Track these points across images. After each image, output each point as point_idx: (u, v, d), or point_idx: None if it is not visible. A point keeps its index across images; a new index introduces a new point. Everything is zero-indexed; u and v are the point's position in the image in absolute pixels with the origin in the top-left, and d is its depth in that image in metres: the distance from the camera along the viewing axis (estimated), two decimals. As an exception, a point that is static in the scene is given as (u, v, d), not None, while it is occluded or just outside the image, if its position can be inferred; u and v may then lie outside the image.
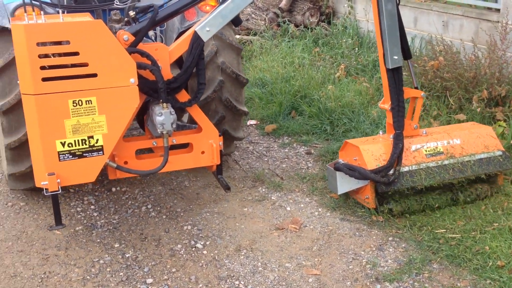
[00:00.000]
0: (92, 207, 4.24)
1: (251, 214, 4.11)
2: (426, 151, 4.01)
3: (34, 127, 3.14)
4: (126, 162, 3.64)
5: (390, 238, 3.75)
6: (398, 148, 3.86)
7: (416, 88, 4.15)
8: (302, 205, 4.23)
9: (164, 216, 4.10)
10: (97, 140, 3.26)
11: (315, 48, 7.78)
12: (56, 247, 3.71)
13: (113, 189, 4.51)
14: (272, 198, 4.35)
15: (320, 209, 4.15)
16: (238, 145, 5.39)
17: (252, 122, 5.96)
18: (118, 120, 3.28)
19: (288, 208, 4.19)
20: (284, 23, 8.51)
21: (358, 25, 8.15)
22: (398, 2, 3.81)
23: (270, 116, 6.00)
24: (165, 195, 4.42)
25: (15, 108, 3.76)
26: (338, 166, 3.94)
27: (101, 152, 3.28)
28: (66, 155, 3.21)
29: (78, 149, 3.23)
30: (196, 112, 3.76)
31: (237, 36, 8.55)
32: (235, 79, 4.43)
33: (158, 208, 4.21)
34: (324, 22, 8.75)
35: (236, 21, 3.81)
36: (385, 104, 4.00)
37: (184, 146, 3.87)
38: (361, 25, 8.08)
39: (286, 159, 5.07)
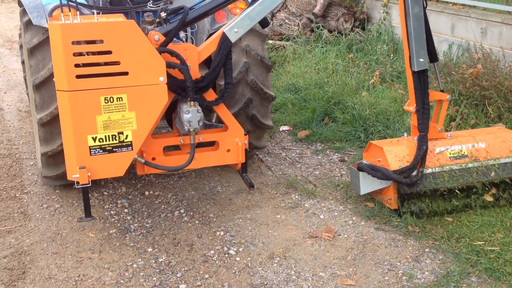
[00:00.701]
0: (126, 210, 4.26)
1: (284, 221, 4.07)
2: (450, 153, 4.02)
3: (67, 122, 3.28)
4: (154, 158, 3.76)
5: (427, 249, 3.66)
6: (422, 149, 3.89)
7: (442, 91, 4.17)
8: (336, 213, 4.17)
9: (196, 221, 4.09)
10: (127, 136, 3.39)
11: (349, 54, 7.70)
12: (90, 250, 3.73)
13: (146, 193, 4.52)
14: (305, 205, 4.29)
15: (354, 218, 4.09)
16: (270, 151, 5.36)
17: (285, 128, 5.92)
18: (147, 117, 3.40)
19: (322, 216, 4.13)
20: (318, 28, 8.45)
21: (393, 31, 8.04)
22: (425, 5, 3.83)
23: (303, 122, 5.95)
24: (197, 200, 4.41)
25: (47, 82, 3.90)
26: (361, 166, 3.98)
27: (130, 147, 3.41)
28: (97, 149, 3.35)
29: (108, 144, 3.36)
30: (222, 111, 3.85)
31: (270, 41, 8.54)
32: (260, 61, 4.50)
33: (191, 213, 4.20)
34: (358, 27, 8.67)
35: (263, 23, 3.90)
36: (410, 106, 4.03)
37: (211, 144, 3.96)
38: (396, 31, 7.97)
39: (319, 166, 5.02)
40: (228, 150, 3.91)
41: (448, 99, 4.09)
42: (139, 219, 4.13)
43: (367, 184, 4.03)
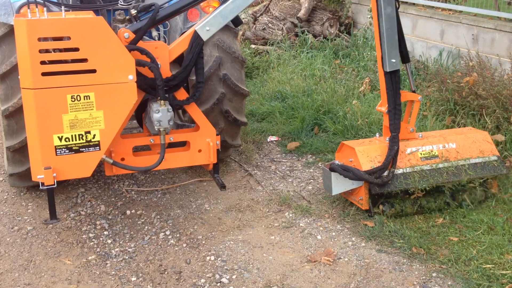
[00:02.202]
0: (106, 232, 3.90)
1: (279, 243, 3.77)
2: (421, 154, 4.04)
3: (32, 121, 3.18)
4: (123, 159, 3.68)
5: (434, 274, 3.40)
6: (393, 150, 3.90)
7: (414, 91, 4.17)
8: (333, 233, 3.88)
9: (184, 244, 3.76)
10: (94, 135, 3.31)
11: (336, 60, 7.46)
12: (67, 280, 3.37)
13: (128, 212, 4.17)
14: (301, 224, 4.00)
15: (353, 239, 3.81)
16: (259, 163, 5.06)
17: (273, 138, 5.62)
18: (115, 116, 3.32)
19: (319, 237, 3.84)
20: (303, 33, 8.18)
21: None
22: (397, 6, 3.84)
23: (291, 132, 5.66)
24: (184, 219, 4.08)
25: (11, 72, 3.79)
26: (333, 167, 3.95)
27: (97, 147, 3.33)
28: (63, 149, 3.27)
29: (75, 143, 3.28)
30: (194, 110, 3.78)
31: (253, 46, 8.25)
32: (233, 56, 4.43)
33: (178, 235, 3.87)
34: (344, 32, 8.43)
35: (236, 22, 3.83)
36: (382, 106, 4.02)
37: (182, 144, 3.90)
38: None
39: (312, 180, 4.73)
40: (200, 151, 3.85)
41: (420, 100, 4.09)
42: (121, 242, 3.78)
43: (339, 185, 3.99)
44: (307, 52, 7.71)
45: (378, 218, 3.94)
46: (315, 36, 8.26)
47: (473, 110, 5.10)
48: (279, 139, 5.62)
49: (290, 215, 4.13)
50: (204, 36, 3.58)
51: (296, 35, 8.31)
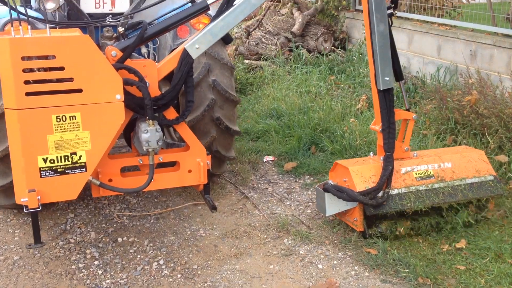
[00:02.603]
0: (96, 262, 3.71)
1: (279, 273, 3.59)
2: (416, 174, 3.95)
3: (16, 142, 3.08)
4: (110, 180, 3.58)
5: (442, 306, 3.25)
6: (388, 170, 3.81)
7: (408, 109, 4.12)
8: (335, 262, 3.72)
9: (179, 275, 3.57)
10: (80, 156, 3.21)
11: (331, 76, 7.33)
12: (55, 316, 3.18)
13: (119, 240, 3.99)
14: (301, 252, 3.83)
15: (356, 268, 3.64)
16: (255, 185, 4.90)
17: (269, 158, 5.46)
18: (102, 136, 3.23)
19: (320, 266, 3.67)
20: (297, 48, 8.06)
21: (376, 52, 7.69)
22: (390, 24, 3.79)
23: (288, 152, 5.51)
24: (178, 247, 3.90)
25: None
26: (327, 187, 3.87)
27: (83, 169, 3.22)
28: (48, 171, 3.16)
29: (60, 165, 3.18)
30: (183, 130, 3.71)
31: (246, 61, 8.11)
32: (222, 63, 4.36)
33: (172, 265, 3.68)
34: (338, 47, 8.32)
35: (226, 39, 3.74)
36: (376, 125, 3.95)
37: (172, 164, 3.79)
38: (379, 52, 7.62)
39: (310, 203, 4.57)
40: (190, 171, 3.75)
41: (414, 118, 4.02)
42: (112, 273, 3.59)
43: (333, 206, 3.89)
44: (302, 68, 7.57)
45: (381, 245, 3.78)
46: (309, 51, 8.14)
47: (474, 129, 4.97)
48: (276, 159, 5.46)
49: (289, 242, 3.96)
50: (194, 54, 3.49)
51: (290, 50, 8.18)
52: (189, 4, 3.59)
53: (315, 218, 4.31)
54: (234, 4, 3.49)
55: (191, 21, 3.99)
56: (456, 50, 6.51)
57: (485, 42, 6.12)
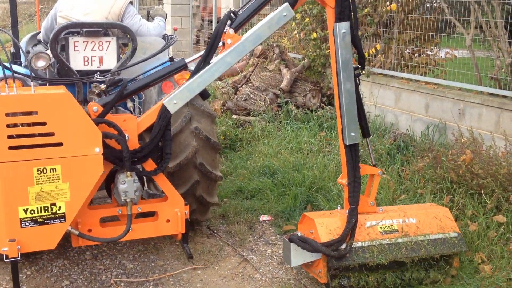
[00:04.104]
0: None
1: None
2: (380, 228, 4.04)
3: None
4: (90, 230, 3.74)
5: None
6: (351, 223, 3.89)
7: (374, 165, 4.25)
8: (344, 330, 3.62)
9: None
10: (60, 207, 3.35)
11: (321, 132, 7.37)
12: None
13: (119, 308, 3.83)
14: (307, 320, 3.73)
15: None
16: (254, 247, 4.80)
17: (265, 218, 5.39)
18: (81, 188, 3.38)
19: (329, 335, 3.57)
20: (286, 104, 8.12)
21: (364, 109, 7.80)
22: (358, 83, 3.97)
23: (284, 211, 5.45)
24: (181, 316, 3.76)
25: None
26: (292, 238, 3.94)
27: (63, 219, 3.36)
28: (28, 221, 3.29)
29: (40, 216, 3.31)
30: (161, 180, 3.88)
31: (234, 116, 8.13)
32: (203, 110, 4.55)
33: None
34: (326, 103, 8.42)
35: (203, 95, 3.94)
36: (343, 179, 4.08)
37: (152, 214, 3.97)
38: (368, 109, 7.74)
39: (312, 266, 4.48)
40: (168, 220, 3.93)
41: (380, 174, 4.16)
42: None
43: (299, 256, 3.96)
44: (292, 124, 7.61)
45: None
46: (297, 107, 8.21)
47: (471, 189, 5.01)
48: (272, 218, 5.39)
49: (295, 309, 3.86)
50: (172, 109, 3.71)
51: (279, 106, 8.24)
52: (169, 63, 3.84)
53: (318, 282, 4.22)
54: (210, 62, 3.72)
55: (175, 76, 4.21)
56: (444, 108, 6.64)
57: (474, 101, 6.26)
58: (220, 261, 4.54)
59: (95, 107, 3.58)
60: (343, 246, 3.84)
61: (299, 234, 3.98)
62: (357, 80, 3.98)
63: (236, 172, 6.53)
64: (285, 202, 5.60)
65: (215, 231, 5.08)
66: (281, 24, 3.78)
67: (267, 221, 5.34)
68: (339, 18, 3.80)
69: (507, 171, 4.87)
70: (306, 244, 3.83)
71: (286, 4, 3.73)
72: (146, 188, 4.44)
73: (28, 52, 4.81)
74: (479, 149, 5.27)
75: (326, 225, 3.94)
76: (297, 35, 9.10)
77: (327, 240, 3.84)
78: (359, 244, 3.91)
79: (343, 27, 3.82)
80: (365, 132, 4.17)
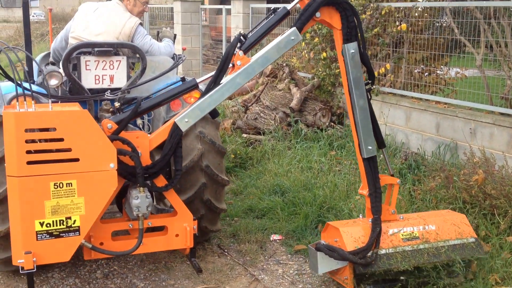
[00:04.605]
0: None
1: None
2: (402, 235, 4.19)
3: (16, 207, 3.29)
4: (102, 243, 3.82)
5: None
6: (376, 231, 4.04)
7: (392, 175, 4.41)
8: None
9: None
10: (75, 220, 3.42)
11: (331, 152, 7.37)
12: None
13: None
14: None
15: None
16: (265, 266, 4.77)
17: (276, 237, 5.37)
18: (96, 202, 3.46)
19: None
20: (296, 123, 8.14)
21: (374, 127, 7.79)
22: (369, 98, 4.14)
23: (295, 230, 5.43)
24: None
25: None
26: (319, 247, 4.06)
27: (77, 232, 3.44)
28: (44, 234, 3.37)
29: (55, 229, 3.39)
30: (171, 196, 3.96)
31: (244, 135, 8.15)
32: (207, 119, 4.62)
33: None
34: (336, 122, 8.43)
35: (213, 114, 4.02)
36: (364, 190, 4.24)
37: (161, 229, 4.06)
38: (378, 128, 7.73)
39: (323, 287, 4.45)
40: (177, 235, 4.00)
41: (398, 183, 4.32)
42: None
43: (325, 264, 4.09)
44: (302, 143, 7.61)
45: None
46: (307, 125, 8.23)
47: (484, 209, 4.98)
48: (283, 238, 5.37)
49: (307, 330, 3.82)
50: (183, 127, 3.80)
51: (289, 125, 8.26)
52: (180, 82, 3.98)
53: (331, 303, 4.19)
54: (220, 83, 3.82)
55: (183, 95, 4.24)
56: (455, 127, 6.63)
57: (485, 121, 6.25)
58: (231, 281, 4.52)
59: (110, 124, 3.67)
60: (369, 253, 3.97)
61: (323, 243, 4.09)
62: (369, 95, 4.13)
63: (246, 191, 6.53)
64: (296, 221, 5.57)
65: (225, 250, 5.06)
66: (288, 47, 3.92)
67: (278, 241, 5.32)
68: (346, 39, 3.96)
69: (519, 191, 4.84)
70: (334, 252, 3.96)
71: (294, 28, 3.88)
72: (155, 203, 4.52)
73: (41, 71, 4.89)
74: (492, 169, 5.26)
75: (351, 233, 4.08)
76: (306, 55, 9.15)
77: (352, 248, 3.98)
78: (383, 251, 4.06)
79: (352, 47, 3.97)
80: (380, 143, 4.30)
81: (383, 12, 7.76)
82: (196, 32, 14.86)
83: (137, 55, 4.48)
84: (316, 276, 4.64)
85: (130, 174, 3.70)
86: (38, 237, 3.35)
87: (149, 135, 3.86)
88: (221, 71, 3.82)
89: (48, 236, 3.37)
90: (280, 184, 6.37)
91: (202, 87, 3.99)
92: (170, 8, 15.98)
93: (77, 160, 3.37)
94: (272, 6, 4.16)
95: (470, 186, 5.08)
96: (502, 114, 6.24)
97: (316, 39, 8.67)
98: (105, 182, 3.46)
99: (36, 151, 3.30)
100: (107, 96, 4.12)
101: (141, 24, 4.93)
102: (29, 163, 3.27)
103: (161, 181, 3.89)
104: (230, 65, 3.84)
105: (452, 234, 4.27)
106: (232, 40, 3.95)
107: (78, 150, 3.37)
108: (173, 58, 4.96)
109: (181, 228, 3.98)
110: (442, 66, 7.83)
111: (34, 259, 3.33)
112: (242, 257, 4.95)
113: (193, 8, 14.74)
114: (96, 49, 4.42)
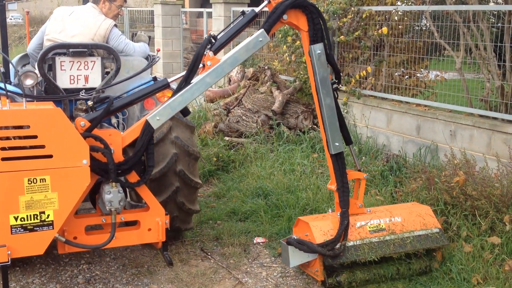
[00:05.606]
0: None
1: None
2: (369, 227, 4.39)
3: None
4: (75, 237, 3.90)
5: None
6: (344, 224, 4.23)
7: (359, 170, 4.60)
8: None
9: None
10: (48, 215, 3.53)
11: (313, 154, 7.38)
12: None
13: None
14: None
15: None
16: (248, 269, 4.76)
17: (260, 240, 5.36)
18: (69, 197, 3.57)
19: None
20: (278, 125, 8.14)
21: (356, 130, 7.85)
22: (336, 96, 4.31)
23: (278, 233, 5.42)
24: None
25: None
26: (290, 241, 4.23)
27: (51, 226, 3.55)
28: (18, 228, 3.48)
29: (29, 223, 3.49)
30: (144, 191, 4.07)
31: (226, 138, 8.12)
32: (181, 121, 4.78)
33: None
34: (317, 125, 8.45)
35: (184, 112, 4.13)
36: (332, 185, 4.40)
37: (134, 223, 4.14)
38: (359, 130, 7.79)
39: (307, 289, 4.45)
40: (149, 229, 4.09)
41: (365, 178, 4.51)
42: None
43: (296, 258, 4.26)
44: (284, 146, 7.61)
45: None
46: (289, 128, 8.23)
47: (465, 210, 5.02)
48: (266, 240, 5.35)
49: (292, 332, 3.81)
50: (155, 125, 3.92)
51: (271, 128, 8.26)
52: (152, 82, 4.11)
53: (315, 305, 4.19)
54: (191, 82, 3.95)
55: (157, 94, 4.37)
56: (436, 130, 6.70)
57: (465, 123, 6.32)
58: (215, 284, 4.49)
59: (83, 122, 3.77)
60: (338, 245, 4.15)
61: (295, 237, 4.26)
62: (335, 94, 4.31)
63: (229, 194, 6.50)
64: (279, 224, 5.57)
65: (209, 253, 5.03)
66: (257, 48, 4.08)
67: (261, 243, 5.31)
68: (313, 40, 4.16)
69: (501, 192, 4.90)
70: (303, 245, 4.13)
71: (262, 30, 4.03)
72: (128, 199, 4.60)
73: (18, 71, 4.93)
74: (472, 170, 5.31)
75: (320, 227, 4.26)
76: (288, 58, 9.17)
77: (322, 241, 4.15)
78: (351, 243, 4.24)
79: (318, 48, 4.17)
80: (347, 140, 4.50)
81: (364, 16, 7.82)
82: (177, 35, 14.81)
83: (112, 56, 4.55)
84: (298, 278, 4.64)
85: (103, 170, 3.81)
86: (13, 231, 3.46)
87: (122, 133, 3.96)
88: (192, 71, 3.95)
89: (22, 230, 3.48)
90: (263, 187, 6.36)
91: (174, 86, 4.11)
92: (151, 11, 15.90)
93: (50, 156, 3.47)
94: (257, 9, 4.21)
95: (451, 187, 5.13)
96: (481, 116, 6.32)
97: (298, 42, 8.69)
98: (78, 178, 3.56)
99: (11, 148, 3.40)
100: (81, 95, 4.18)
101: (115, 25, 5.00)
102: (3, 159, 3.37)
103: (133, 177, 4.00)
104: (201, 65, 3.96)
105: (417, 225, 4.49)
106: (202, 41, 4.11)
107: (52, 147, 3.47)
108: (147, 59, 5.05)
109: (153, 223, 4.07)
110: (422, 69, 7.91)
111: (9, 252, 3.44)
112: (225, 260, 4.93)
113: (173, 11, 14.70)
114: (71, 50, 4.51)
